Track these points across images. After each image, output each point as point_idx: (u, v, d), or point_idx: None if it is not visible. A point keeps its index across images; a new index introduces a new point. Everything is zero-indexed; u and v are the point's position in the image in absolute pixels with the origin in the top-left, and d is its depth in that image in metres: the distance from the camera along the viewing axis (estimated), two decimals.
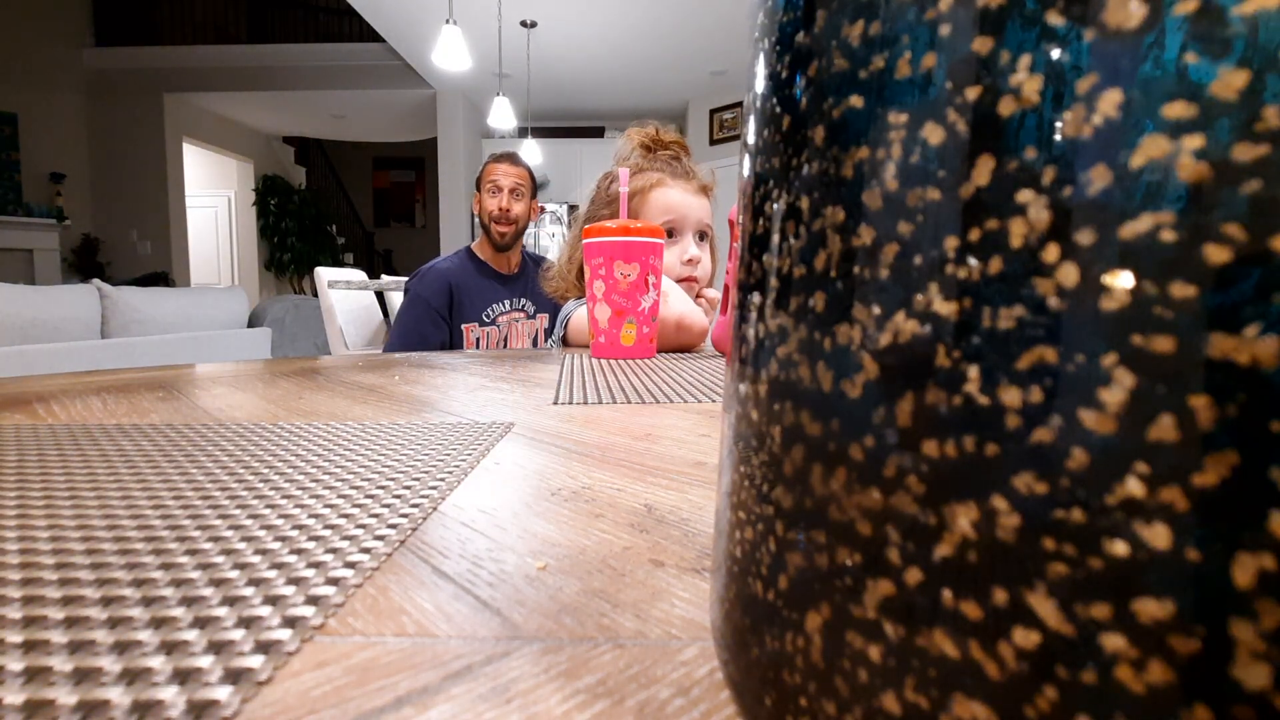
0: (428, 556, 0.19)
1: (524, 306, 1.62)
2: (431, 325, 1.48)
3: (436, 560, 0.19)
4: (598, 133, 6.76)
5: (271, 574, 0.17)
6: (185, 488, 0.25)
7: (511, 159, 1.63)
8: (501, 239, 1.56)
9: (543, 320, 1.65)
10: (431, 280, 1.51)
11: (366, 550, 0.19)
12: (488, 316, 1.55)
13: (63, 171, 6.12)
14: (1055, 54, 0.07)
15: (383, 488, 0.25)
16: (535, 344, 1.61)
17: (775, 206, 0.10)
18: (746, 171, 0.12)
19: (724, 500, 0.12)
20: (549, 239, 6.29)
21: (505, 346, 1.58)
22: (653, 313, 0.82)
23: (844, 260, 0.09)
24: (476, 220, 1.66)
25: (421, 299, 1.48)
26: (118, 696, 0.12)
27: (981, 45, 0.07)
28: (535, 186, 1.65)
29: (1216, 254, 0.06)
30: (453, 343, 1.52)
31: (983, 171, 0.07)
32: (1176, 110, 0.06)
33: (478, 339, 1.53)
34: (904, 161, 0.08)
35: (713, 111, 5.97)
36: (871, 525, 0.08)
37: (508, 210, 1.57)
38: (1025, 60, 0.07)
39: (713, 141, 5.97)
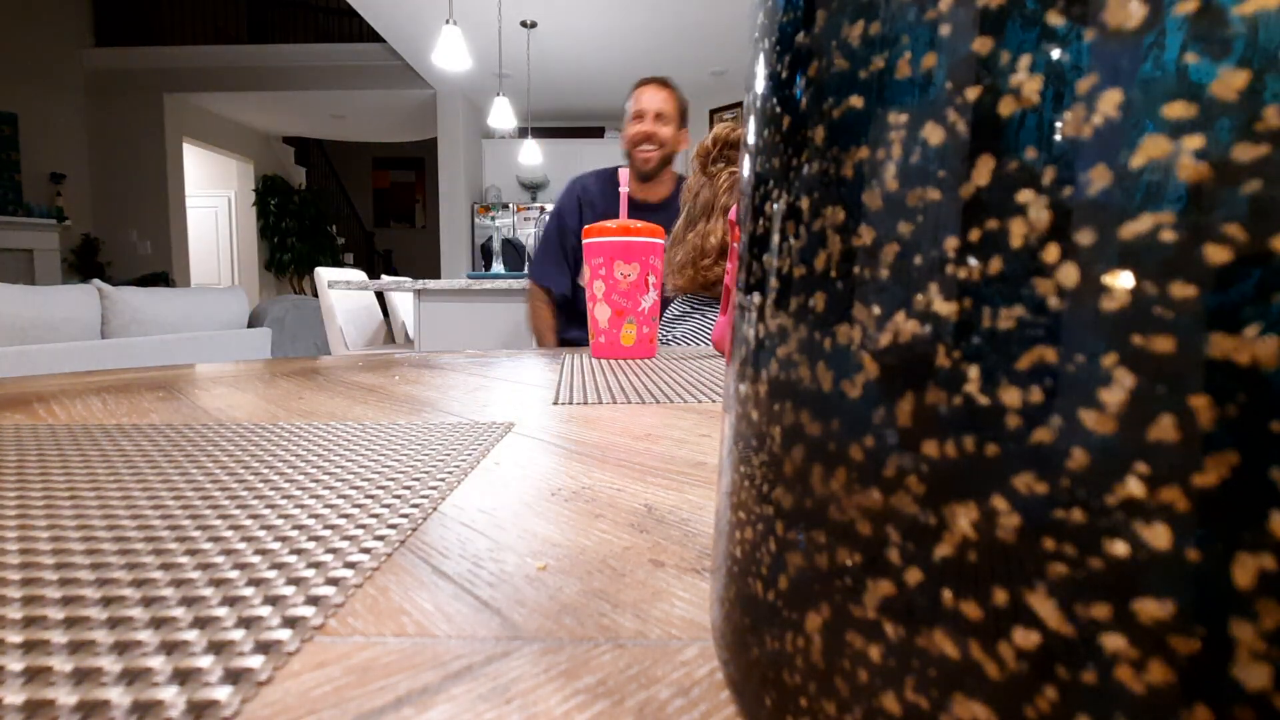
0: (428, 557, 0.19)
1: None
2: (557, 234, 1.44)
3: (436, 560, 0.19)
4: (598, 133, 6.75)
5: (271, 574, 0.17)
6: (185, 488, 0.25)
7: (659, 82, 1.47)
8: (646, 164, 1.43)
9: None
10: (565, 192, 1.46)
11: (366, 550, 0.19)
12: None
13: (63, 171, 6.11)
14: (1055, 54, 0.07)
15: (383, 488, 0.25)
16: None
17: (775, 207, 0.10)
18: (746, 171, 0.12)
19: (724, 500, 0.12)
20: None
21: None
22: (653, 312, 0.82)
23: (844, 260, 0.09)
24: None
25: (556, 211, 1.45)
26: (118, 696, 0.12)
27: (981, 45, 0.07)
28: (685, 114, 1.50)
29: (1216, 254, 0.06)
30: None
31: (983, 171, 0.07)
32: (1176, 110, 0.06)
33: None
34: (904, 161, 0.08)
35: (713, 111, 5.96)
36: (871, 525, 0.08)
37: (652, 135, 1.43)
38: (1025, 60, 0.07)
39: None
